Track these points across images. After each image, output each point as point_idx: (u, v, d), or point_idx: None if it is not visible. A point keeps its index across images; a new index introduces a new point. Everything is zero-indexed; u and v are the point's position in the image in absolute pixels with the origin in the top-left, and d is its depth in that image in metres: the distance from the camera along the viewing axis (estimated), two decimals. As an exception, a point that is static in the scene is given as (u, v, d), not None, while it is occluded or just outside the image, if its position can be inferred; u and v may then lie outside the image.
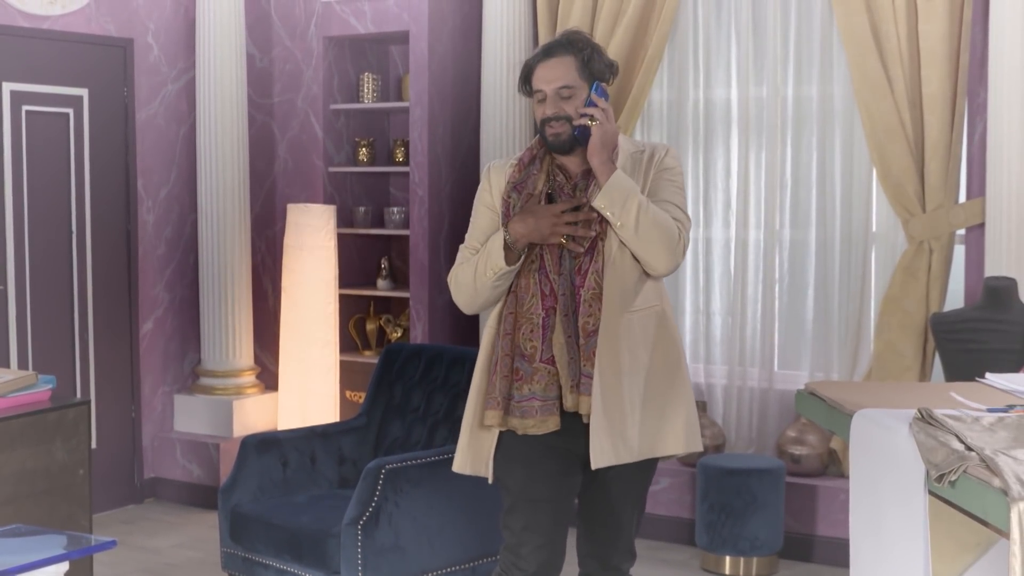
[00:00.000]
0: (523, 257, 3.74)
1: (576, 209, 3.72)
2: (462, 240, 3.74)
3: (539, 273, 3.74)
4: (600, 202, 3.65)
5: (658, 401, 3.78)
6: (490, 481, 3.86)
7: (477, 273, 3.78)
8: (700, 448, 3.91)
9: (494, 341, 3.81)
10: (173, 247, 7.40)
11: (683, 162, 6.55)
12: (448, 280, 3.94)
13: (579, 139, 3.71)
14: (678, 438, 3.82)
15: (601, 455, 3.69)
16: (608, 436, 3.69)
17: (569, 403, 3.73)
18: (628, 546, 3.96)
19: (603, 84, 3.75)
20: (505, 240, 3.72)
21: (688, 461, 6.36)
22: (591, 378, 3.68)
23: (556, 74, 3.72)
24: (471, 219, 3.95)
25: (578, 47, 3.74)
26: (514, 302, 3.76)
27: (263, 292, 7.72)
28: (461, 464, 3.90)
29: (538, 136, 3.82)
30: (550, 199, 3.78)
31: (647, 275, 3.76)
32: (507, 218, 3.76)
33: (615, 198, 3.63)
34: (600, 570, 3.97)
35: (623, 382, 3.70)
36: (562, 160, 3.80)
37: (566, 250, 3.73)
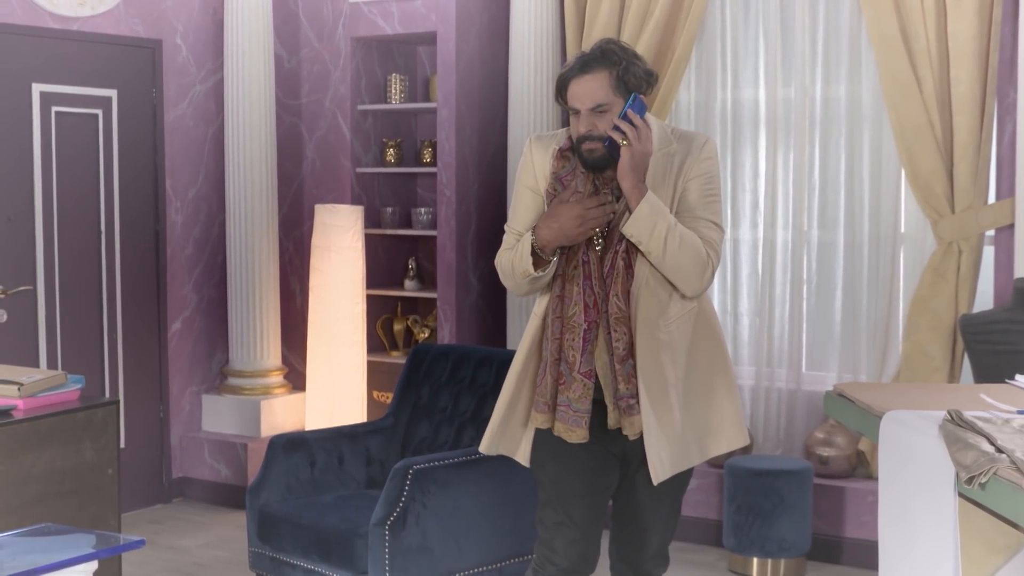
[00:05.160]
0: (555, 261, 3.69)
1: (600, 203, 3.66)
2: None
3: (584, 282, 3.70)
4: (629, 230, 3.60)
5: (703, 401, 3.79)
6: (527, 464, 3.86)
7: (514, 269, 3.75)
8: (747, 441, 3.91)
9: (540, 342, 3.80)
10: (201, 247, 7.42)
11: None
12: (495, 263, 3.90)
13: (610, 153, 3.63)
14: (728, 435, 3.84)
15: (661, 469, 3.70)
16: (667, 448, 3.70)
17: (612, 420, 3.72)
18: (661, 551, 3.96)
19: (641, 96, 3.67)
20: (532, 245, 3.68)
21: (716, 462, 6.34)
22: (634, 399, 3.67)
23: (589, 92, 3.63)
24: (512, 199, 3.90)
25: (612, 60, 3.64)
26: (559, 306, 3.72)
27: (291, 292, 7.74)
28: (489, 447, 3.89)
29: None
30: None
31: None
32: None
33: (643, 226, 3.58)
34: (632, 574, 3.97)
35: (670, 393, 3.70)
36: None
37: (607, 272, 3.70)
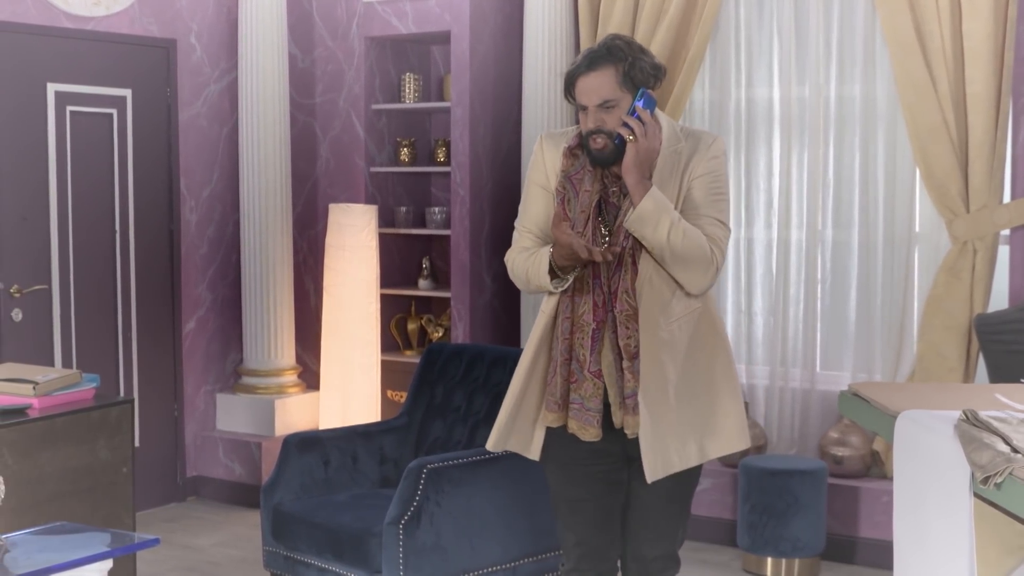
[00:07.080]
0: (571, 278, 3.68)
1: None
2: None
3: (593, 281, 3.70)
4: (632, 225, 3.60)
5: (704, 402, 3.77)
6: (538, 459, 3.86)
7: (529, 276, 3.75)
8: (748, 444, 3.88)
9: (549, 339, 3.79)
10: (215, 247, 7.43)
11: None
12: (505, 260, 3.90)
13: (619, 149, 3.63)
14: (728, 437, 3.80)
15: (653, 468, 3.68)
16: (662, 449, 3.68)
17: (618, 419, 3.72)
18: (669, 552, 3.93)
19: (649, 91, 3.66)
20: (551, 264, 3.67)
21: (730, 462, 6.33)
22: (636, 397, 3.67)
23: (596, 88, 3.63)
24: (523, 195, 3.90)
25: (619, 56, 3.63)
26: (569, 307, 3.72)
27: (305, 292, 7.75)
28: (497, 443, 3.88)
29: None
30: (600, 207, 3.71)
31: None
32: (563, 209, 3.70)
33: (647, 221, 3.57)
34: (641, 573, 3.96)
35: (670, 392, 3.68)
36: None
37: (614, 270, 3.69)
